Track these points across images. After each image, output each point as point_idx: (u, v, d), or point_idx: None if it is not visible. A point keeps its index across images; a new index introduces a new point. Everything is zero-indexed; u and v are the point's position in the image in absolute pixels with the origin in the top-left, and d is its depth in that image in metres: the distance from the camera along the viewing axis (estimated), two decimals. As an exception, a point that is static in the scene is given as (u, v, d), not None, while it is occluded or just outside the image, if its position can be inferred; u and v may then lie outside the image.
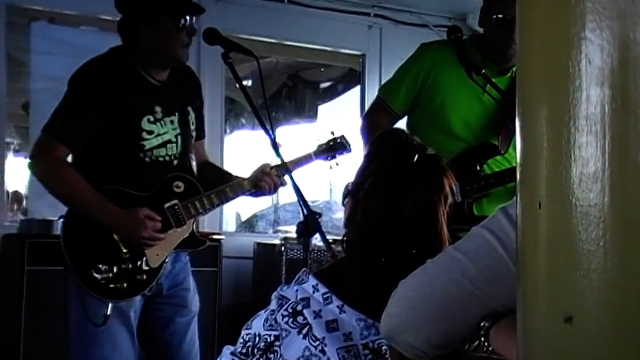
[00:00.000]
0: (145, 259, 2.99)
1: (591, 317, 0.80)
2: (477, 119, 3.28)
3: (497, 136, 3.29)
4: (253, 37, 5.34)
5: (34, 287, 4.18)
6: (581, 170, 0.79)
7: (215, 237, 4.86)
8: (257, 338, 1.85)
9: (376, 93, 3.57)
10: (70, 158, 3.07)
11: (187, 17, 3.02)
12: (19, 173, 6.37)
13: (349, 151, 3.33)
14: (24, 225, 4.61)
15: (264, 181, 3.11)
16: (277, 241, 5.10)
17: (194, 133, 3.20)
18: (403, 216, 1.85)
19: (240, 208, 7.07)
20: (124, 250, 2.96)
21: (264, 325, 1.83)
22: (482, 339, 1.32)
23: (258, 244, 5.25)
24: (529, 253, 0.87)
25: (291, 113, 7.26)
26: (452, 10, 5.88)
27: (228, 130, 6.29)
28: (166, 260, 3.04)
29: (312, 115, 7.28)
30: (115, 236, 2.97)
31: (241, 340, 1.90)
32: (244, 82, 3.17)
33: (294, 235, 4.56)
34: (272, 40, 5.69)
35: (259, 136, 3.07)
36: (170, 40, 3.01)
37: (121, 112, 2.98)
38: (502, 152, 3.29)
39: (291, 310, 1.80)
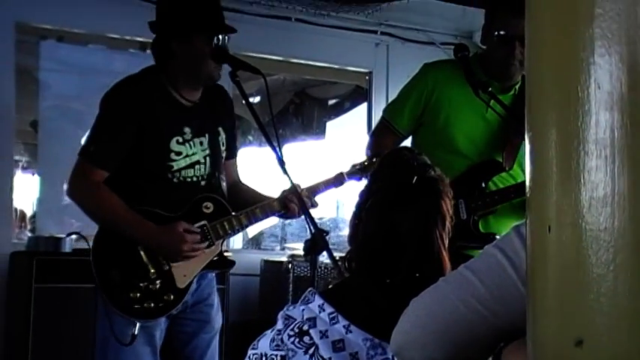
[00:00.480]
0: (172, 279, 2.98)
1: (602, 341, 0.80)
2: (481, 136, 3.28)
3: (501, 152, 3.29)
4: (260, 55, 5.36)
5: (42, 305, 4.18)
6: (590, 194, 0.80)
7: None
8: (263, 358, 1.84)
9: (382, 110, 3.58)
10: None
11: (220, 37, 3.02)
12: (27, 190, 6.38)
13: None
14: (32, 242, 4.62)
15: (293, 203, 3.05)
16: (284, 259, 5.10)
17: (224, 154, 3.19)
18: (400, 237, 1.86)
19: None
20: (152, 271, 2.96)
21: (270, 345, 1.83)
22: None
23: (266, 261, 5.24)
24: (539, 277, 0.88)
25: (298, 130, 7.27)
26: (458, 28, 5.89)
27: (235, 147, 6.29)
28: (194, 280, 3.03)
29: (320, 132, 7.29)
30: (144, 257, 2.96)
31: (248, 360, 1.89)
32: (251, 100, 3.18)
33: (302, 253, 4.57)
34: (279, 58, 5.71)
35: (266, 153, 3.05)
36: (204, 59, 3.01)
37: (150, 130, 2.99)
38: (507, 169, 3.29)
39: (297, 330, 1.80)
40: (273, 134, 2.87)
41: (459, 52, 3.29)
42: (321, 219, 6.61)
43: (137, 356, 2.97)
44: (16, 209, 5.45)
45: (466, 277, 1.37)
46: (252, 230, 7.26)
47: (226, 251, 4.89)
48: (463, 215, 3.19)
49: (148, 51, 3.24)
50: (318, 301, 1.83)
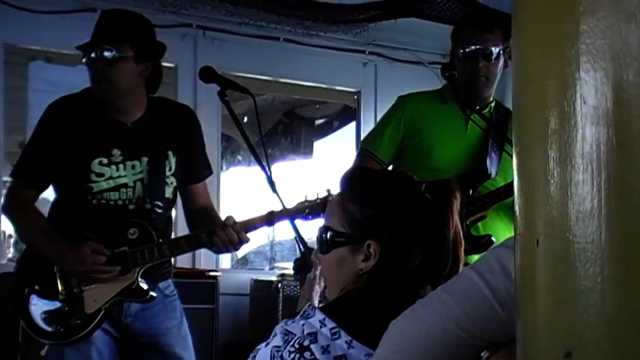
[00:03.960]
0: (82, 304, 2.92)
1: (590, 353, 0.81)
2: (463, 153, 3.34)
3: (484, 164, 3.33)
4: (249, 75, 5.38)
5: (31, 326, 4.15)
6: (577, 208, 0.81)
7: (211, 274, 4.86)
8: (264, 375, 1.82)
9: (361, 143, 3.62)
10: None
11: (85, 52, 2.97)
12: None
13: None
14: (20, 263, 4.59)
15: (218, 238, 2.91)
16: (274, 278, 5.09)
17: (171, 179, 3.07)
18: (426, 240, 1.87)
19: (236, 244, 7.06)
20: (63, 294, 2.92)
21: (270, 362, 1.81)
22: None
23: (255, 280, 5.23)
24: (528, 289, 0.89)
25: (287, 150, 7.29)
26: (446, 48, 5.86)
27: (224, 167, 6.30)
28: (103, 307, 2.93)
29: (308, 151, 7.31)
30: (58, 279, 2.92)
31: (245, 378, 1.88)
32: (240, 120, 3.16)
33: (291, 272, 4.57)
34: (268, 78, 5.73)
35: (255, 172, 3.01)
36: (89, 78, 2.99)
37: (74, 152, 2.94)
38: (491, 176, 3.32)
39: (297, 346, 1.78)
40: (263, 154, 2.83)
41: (446, 71, 3.34)
42: (310, 238, 6.62)
43: None
44: (4, 231, 5.42)
45: (442, 300, 1.38)
46: (241, 250, 7.25)
47: (213, 271, 4.93)
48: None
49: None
50: (319, 315, 1.81)
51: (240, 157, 7.25)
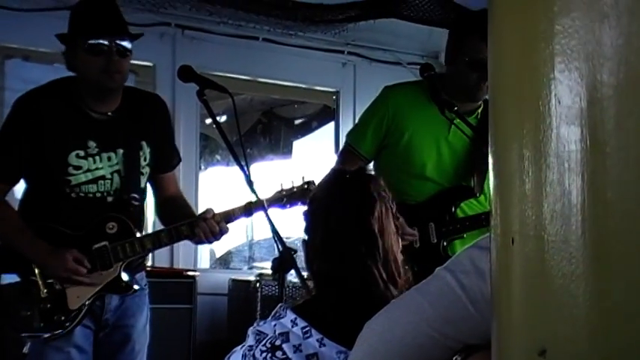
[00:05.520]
0: (64, 300, 2.91)
1: (564, 350, 0.81)
2: (446, 160, 3.29)
3: (471, 177, 3.31)
4: (228, 75, 5.37)
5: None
6: (552, 207, 0.81)
7: (190, 273, 4.85)
8: (236, 375, 1.84)
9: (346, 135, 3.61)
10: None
11: (98, 39, 2.91)
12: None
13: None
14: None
15: (200, 228, 2.97)
16: (252, 278, 5.09)
17: (146, 169, 3.10)
18: (341, 237, 1.89)
19: (215, 244, 7.04)
20: (44, 291, 2.91)
21: (242, 361, 1.82)
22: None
23: (233, 280, 5.23)
24: (503, 288, 0.89)
25: (265, 149, 7.28)
26: (424, 48, 5.95)
27: (202, 167, 6.28)
28: (86, 303, 2.94)
29: (287, 151, 7.31)
30: (38, 275, 2.91)
31: (219, 378, 1.89)
32: (219, 119, 3.15)
33: (270, 272, 4.56)
34: (247, 78, 5.73)
35: (234, 172, 3.02)
36: (86, 65, 2.93)
37: (49, 145, 2.92)
38: (477, 195, 3.29)
39: (269, 345, 1.79)
40: (241, 153, 2.84)
41: (425, 71, 3.32)
42: (289, 238, 6.61)
43: None
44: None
45: (416, 301, 1.39)
46: (220, 250, 7.25)
47: (191, 270, 4.92)
48: (433, 239, 3.20)
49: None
50: (290, 315, 1.83)
51: (218, 157, 7.23)
